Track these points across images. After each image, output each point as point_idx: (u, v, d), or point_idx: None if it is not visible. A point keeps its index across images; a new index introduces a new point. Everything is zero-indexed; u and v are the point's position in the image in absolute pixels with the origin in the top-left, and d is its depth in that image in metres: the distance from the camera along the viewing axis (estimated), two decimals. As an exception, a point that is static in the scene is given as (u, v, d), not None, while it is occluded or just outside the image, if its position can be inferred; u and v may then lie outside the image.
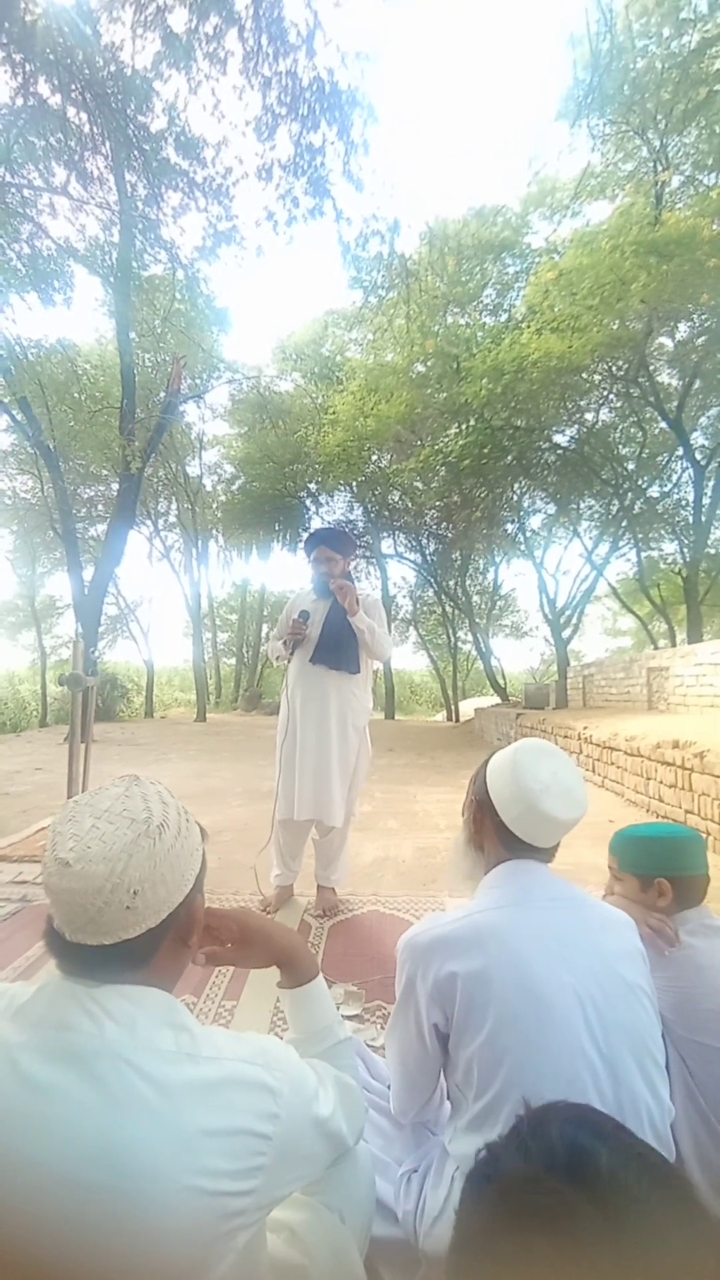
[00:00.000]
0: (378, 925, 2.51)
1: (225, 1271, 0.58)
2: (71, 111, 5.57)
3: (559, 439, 12.62)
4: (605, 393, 12.23)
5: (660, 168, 10.65)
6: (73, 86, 5.39)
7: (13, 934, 2.31)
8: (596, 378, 11.50)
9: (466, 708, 21.48)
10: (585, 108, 9.60)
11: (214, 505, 19.65)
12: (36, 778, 6.05)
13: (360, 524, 18.76)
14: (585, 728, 6.31)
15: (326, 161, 5.65)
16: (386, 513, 17.96)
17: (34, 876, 2.88)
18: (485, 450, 10.96)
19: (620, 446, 13.26)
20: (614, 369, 11.36)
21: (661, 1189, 0.42)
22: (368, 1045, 1.51)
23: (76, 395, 10.87)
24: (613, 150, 11.60)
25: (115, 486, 13.04)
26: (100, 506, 17.68)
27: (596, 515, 14.27)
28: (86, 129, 5.77)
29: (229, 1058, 0.66)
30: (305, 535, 2.92)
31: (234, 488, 18.98)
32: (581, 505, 14.05)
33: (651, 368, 11.61)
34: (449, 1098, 1.06)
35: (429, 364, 12.51)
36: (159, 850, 0.66)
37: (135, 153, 5.72)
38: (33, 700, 17.13)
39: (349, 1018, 1.81)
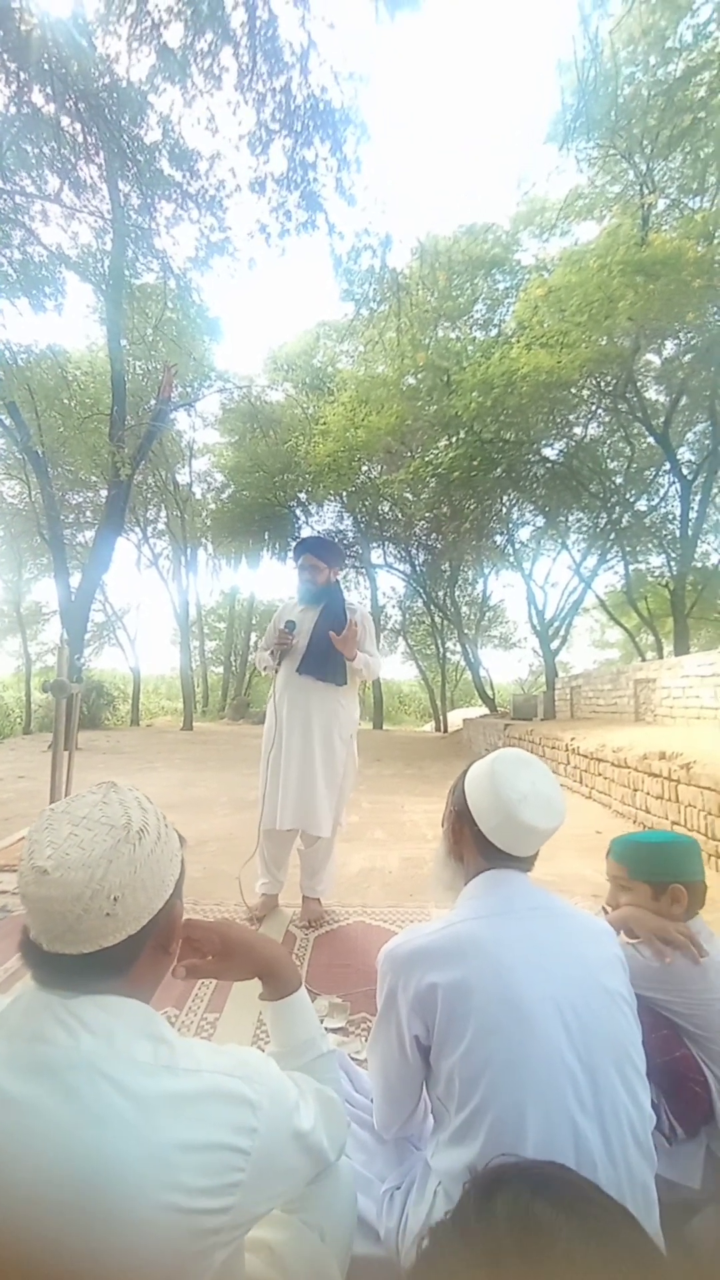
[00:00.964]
0: (363, 936, 2.49)
1: None
2: (65, 121, 5.58)
3: (548, 452, 12.79)
4: (594, 407, 12.43)
5: (646, 190, 10.90)
6: (67, 96, 5.41)
7: (-10, 946, 2.27)
8: (585, 393, 11.69)
9: (455, 718, 21.51)
10: (573, 131, 9.80)
11: (203, 513, 19.65)
12: (19, 785, 5.96)
13: (350, 534, 18.83)
14: (573, 738, 6.33)
15: (319, 177, 5.71)
16: (376, 523, 18.06)
17: (14, 886, 2.83)
18: (475, 463, 11.07)
19: (608, 460, 13.47)
20: (602, 384, 11.55)
21: (626, 1263, 0.40)
22: (352, 1058, 1.49)
23: (66, 401, 10.85)
24: (600, 173, 11.87)
25: (104, 493, 12.98)
26: (89, 513, 17.60)
27: (585, 528, 14.44)
28: (80, 138, 5.79)
29: (208, 1070, 0.65)
30: (294, 544, 2.93)
31: (224, 496, 19.02)
32: (570, 518, 14.21)
33: (639, 383, 11.83)
34: (431, 1112, 1.05)
35: (420, 377, 12.64)
36: (139, 856, 0.65)
37: (129, 163, 5.75)
38: (17, 707, 16.91)
39: (333, 1030, 1.79)
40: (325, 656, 2.61)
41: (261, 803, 2.65)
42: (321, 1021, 1.82)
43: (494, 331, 13.58)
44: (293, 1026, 0.93)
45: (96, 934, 0.63)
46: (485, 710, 17.31)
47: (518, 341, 10.32)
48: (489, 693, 18.62)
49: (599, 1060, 0.85)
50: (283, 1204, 0.84)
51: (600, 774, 5.43)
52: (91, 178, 6.28)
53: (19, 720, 15.88)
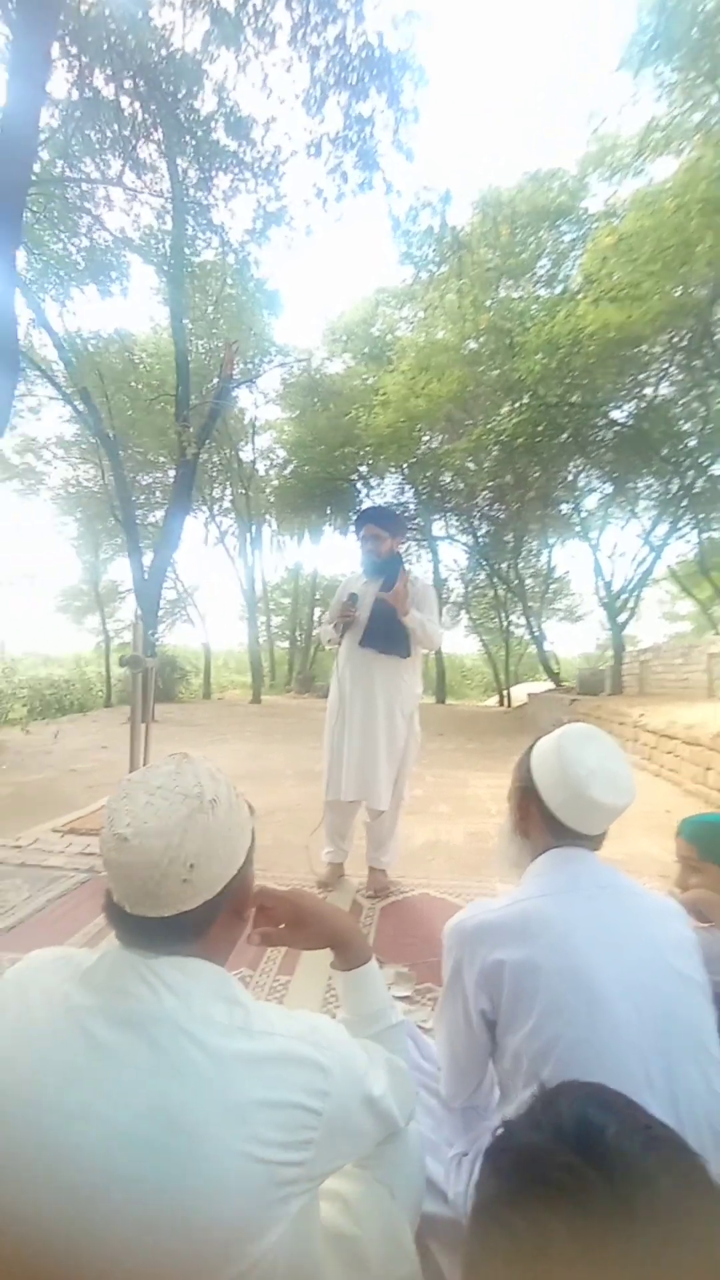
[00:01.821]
0: (428, 908, 2.52)
1: (279, 1236, 0.60)
2: (125, 101, 5.63)
3: (616, 415, 12.04)
4: (666, 365, 11.57)
5: (733, 116, 9.86)
6: (126, 74, 5.44)
7: (82, 902, 2.45)
8: (657, 349, 10.88)
9: (519, 692, 21.09)
10: (649, 55, 8.95)
11: (267, 490, 19.83)
12: (102, 755, 6.34)
13: (411, 506, 18.55)
14: (641, 715, 6.10)
15: (376, 132, 5.52)
16: (438, 494, 17.69)
17: (98, 850, 3.04)
18: (539, 428, 10.60)
19: (681, 422, 12.53)
20: (676, 340, 10.72)
21: (673, 1168, 0.42)
22: (418, 1027, 1.52)
23: (134, 384, 11.14)
24: (680, 99, 10.80)
25: (172, 473, 13.33)
26: (158, 493, 18.13)
27: (655, 495, 13.59)
28: (139, 117, 5.83)
29: (281, 1034, 0.67)
30: (355, 517, 2.91)
31: (286, 472, 19.09)
32: (639, 484, 13.43)
33: (716, 337, 10.90)
34: (499, 1083, 1.05)
35: (481, 340, 12.14)
36: (212, 825, 0.68)
37: (186, 137, 5.75)
38: (98, 681, 17.85)
39: (400, 998, 1.83)
40: (388, 629, 2.61)
41: (326, 774, 2.70)
42: (388, 989, 1.86)
43: (559, 288, 12.80)
44: (363, 997, 0.94)
45: (175, 899, 0.66)
46: (550, 685, 16.88)
47: (584, 297, 9.71)
48: (554, 667, 18.08)
49: (672, 1044, 0.82)
50: (356, 1161, 0.87)
51: (670, 751, 5.22)
52: (151, 157, 6.34)
53: (100, 694, 16.79)
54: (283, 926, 0.93)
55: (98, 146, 5.97)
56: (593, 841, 1.03)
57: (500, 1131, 0.48)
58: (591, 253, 10.29)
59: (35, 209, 6.80)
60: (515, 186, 12.76)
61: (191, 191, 6.61)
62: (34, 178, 5.50)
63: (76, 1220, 0.54)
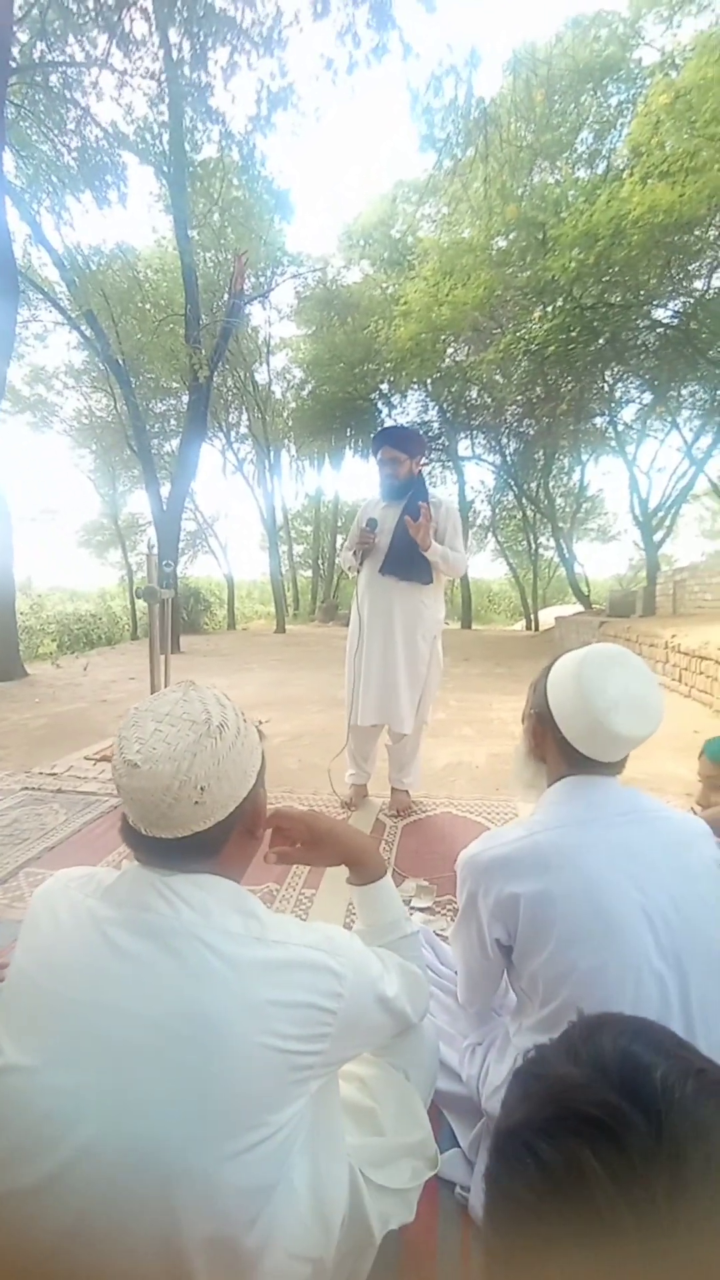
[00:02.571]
0: (450, 826, 2.59)
1: (299, 1108, 0.66)
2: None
3: (660, 314, 11.04)
4: (720, 251, 10.45)
5: None
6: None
7: (114, 825, 2.56)
8: (712, 234, 9.79)
9: (547, 616, 20.83)
10: None
11: (284, 413, 19.14)
12: (130, 686, 6.52)
13: (435, 425, 17.77)
14: (673, 635, 5.96)
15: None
16: (464, 411, 16.86)
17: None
18: (573, 334, 9.81)
19: (734, 318, 11.48)
20: (734, 220, 9.60)
21: None
22: (438, 935, 1.58)
23: (141, 304, 10.57)
24: None
25: (186, 399, 12.89)
26: (173, 421, 17.68)
27: (700, 403, 12.68)
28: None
29: (295, 943, 0.70)
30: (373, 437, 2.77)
31: (304, 393, 18.32)
32: (683, 392, 12.51)
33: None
34: (514, 993, 1.09)
35: (511, 237, 11.10)
36: (220, 749, 0.69)
37: (177, 2, 5.11)
38: (124, 615, 18.17)
39: (421, 909, 1.90)
40: (408, 555, 2.53)
41: (347, 700, 2.72)
42: (409, 901, 1.94)
43: (602, 166, 11.48)
44: (378, 909, 0.99)
45: (188, 820, 0.68)
46: (579, 608, 16.59)
47: (630, 176, 8.68)
48: (584, 589, 17.71)
49: (692, 968, 0.82)
50: (373, 1050, 0.94)
51: (702, 672, 5.13)
52: (139, 30, 5.68)
53: (126, 627, 17.13)
54: (299, 845, 0.96)
55: (80, 21, 5.36)
56: (613, 768, 0.99)
57: (532, 1055, 0.46)
58: (642, 117, 9.05)
59: (17, 101, 6.23)
60: (553, 39, 11.18)
61: (186, 71, 5.96)
62: (12, 64, 5.00)
63: (112, 1093, 0.59)
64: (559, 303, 10.05)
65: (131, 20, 5.43)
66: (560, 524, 19.03)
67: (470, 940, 1.02)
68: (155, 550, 3.22)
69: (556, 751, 1.01)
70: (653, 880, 0.86)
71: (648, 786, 3.11)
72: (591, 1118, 0.37)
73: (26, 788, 3.01)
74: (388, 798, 2.80)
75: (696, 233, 9.23)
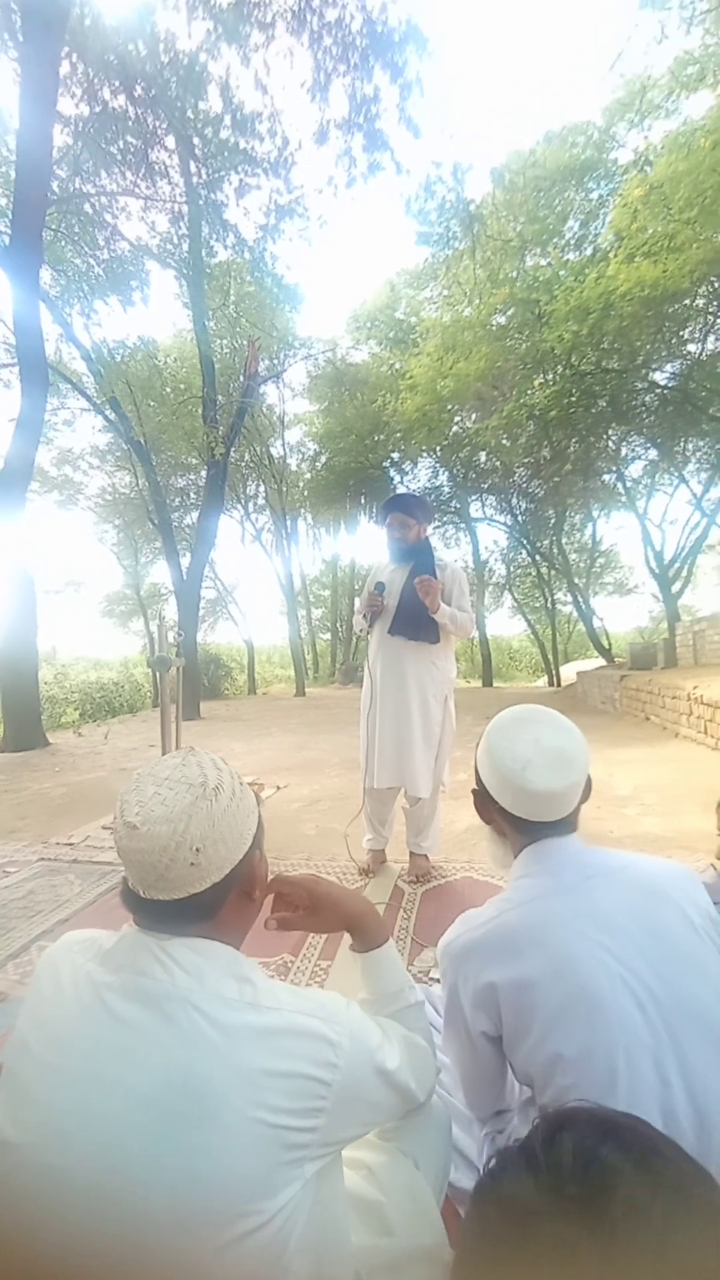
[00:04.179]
0: (470, 891, 2.51)
1: (295, 1195, 0.63)
2: (133, 110, 5.70)
3: (658, 377, 11.51)
4: (711, 317, 10.98)
5: (770, 43, 9.22)
6: (133, 83, 5.51)
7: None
8: (699, 302, 10.33)
9: (569, 672, 20.60)
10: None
11: (300, 484, 19.93)
12: (151, 753, 6.55)
13: (446, 489, 18.28)
14: (695, 687, 5.87)
15: (382, 111, 5.41)
16: (473, 475, 17.38)
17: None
18: (574, 399, 10.23)
19: (730, 376, 11.89)
20: (720, 289, 10.15)
21: (696, 1221, 0.36)
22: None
23: (161, 389, 11.31)
24: (712, 29, 10.12)
25: (204, 474, 13.56)
26: (192, 495, 18.46)
27: (705, 456, 12.98)
28: (149, 124, 5.89)
29: (288, 1009, 0.69)
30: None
31: (318, 465, 19.13)
32: (688, 447, 12.83)
33: (765, 281, 10.24)
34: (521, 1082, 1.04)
35: (508, 314, 11.79)
36: (216, 811, 0.71)
37: (195, 140, 5.78)
38: (145, 682, 18.41)
39: (440, 980, 1.83)
40: (417, 616, 2.59)
41: (363, 763, 2.72)
42: (429, 971, 1.87)
43: (588, 250, 12.29)
44: (381, 977, 0.96)
45: (184, 882, 0.70)
46: (601, 662, 16.42)
47: (615, 256, 9.29)
48: (605, 643, 17.57)
49: (683, 1037, 0.77)
50: (378, 1133, 0.89)
51: (729, 724, 5.01)
52: (163, 163, 6.40)
53: (148, 694, 17.31)
54: (300, 911, 0.95)
55: (110, 159, 6.09)
56: (563, 826, 0.97)
57: (492, 1165, 0.44)
58: (620, 207, 9.81)
59: (55, 226, 7.00)
60: (534, 148, 12.30)
61: (204, 193, 6.67)
62: (51, 196, 5.65)
63: (103, 1172, 0.58)
64: (559, 370, 10.54)
65: (155, 154, 6.14)
66: (576, 579, 19.14)
67: (459, 1036, 0.98)
68: (166, 620, 3.33)
69: (503, 822, 1.01)
70: (628, 948, 0.83)
71: (677, 844, 3.00)
72: (546, 1231, 0.35)
73: (43, 859, 3.01)
74: (406, 863, 2.74)
75: (686, 302, 9.74)
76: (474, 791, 1.06)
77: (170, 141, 6.05)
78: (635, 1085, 0.76)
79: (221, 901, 0.74)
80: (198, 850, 0.69)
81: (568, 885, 0.90)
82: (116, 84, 5.36)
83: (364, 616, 2.71)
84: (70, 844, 3.23)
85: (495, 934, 0.91)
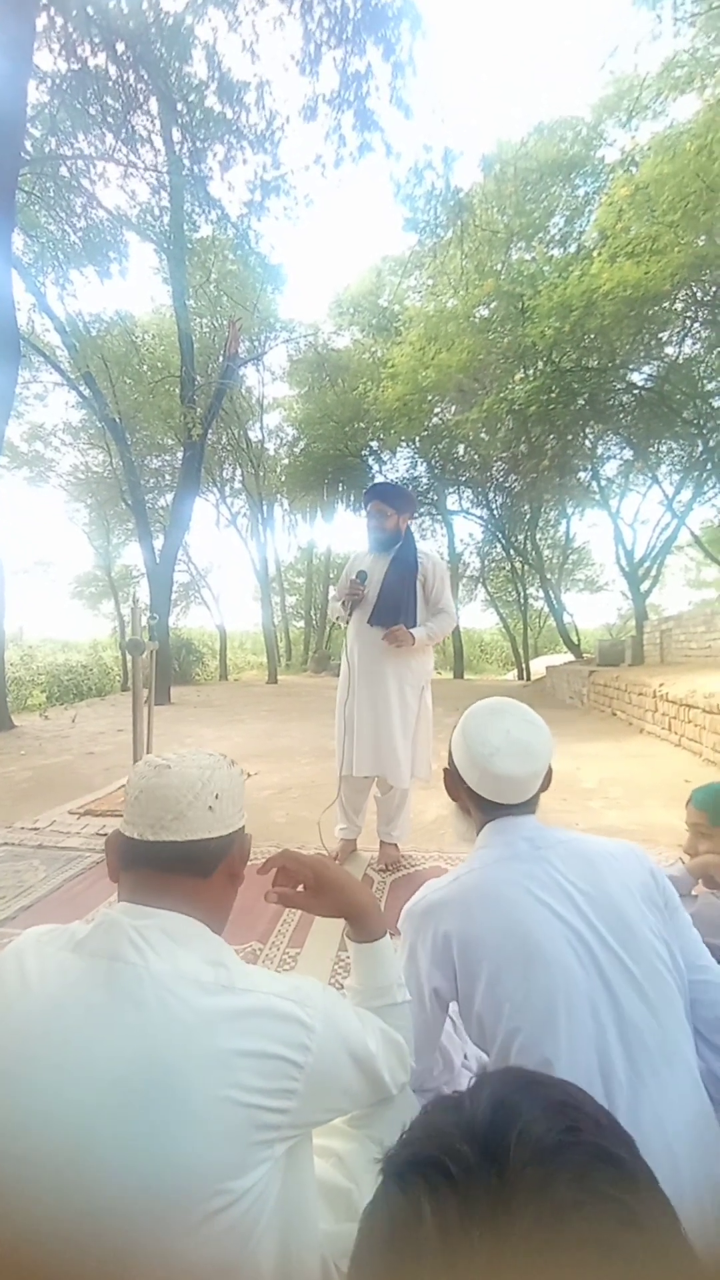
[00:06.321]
0: (439, 880, 2.53)
1: (264, 1176, 0.64)
2: (114, 70, 5.47)
3: (635, 378, 11.65)
4: (688, 322, 11.14)
5: (758, 50, 9.32)
6: (114, 41, 5.28)
7: (95, 881, 2.51)
8: (678, 306, 10.46)
9: (539, 666, 20.94)
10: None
11: (277, 469, 19.70)
12: (119, 739, 6.45)
13: (424, 480, 18.30)
14: (661, 684, 6.01)
15: (373, 90, 5.29)
16: (451, 467, 17.42)
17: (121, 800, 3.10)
18: (553, 395, 10.30)
19: (705, 382, 12.10)
20: (699, 294, 10.29)
21: (582, 1158, 0.37)
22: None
23: (138, 366, 11.02)
24: (702, 33, 10.20)
25: (181, 455, 13.29)
26: (167, 476, 18.11)
27: (678, 459, 13.23)
28: (131, 86, 5.67)
29: (263, 991, 0.70)
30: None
31: (296, 450, 18.92)
32: (661, 448, 13.06)
33: (743, 289, 10.43)
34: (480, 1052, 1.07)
35: (492, 307, 11.79)
36: (232, 774, 0.84)
37: (179, 106, 5.58)
38: (115, 666, 18.08)
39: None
40: (396, 607, 2.59)
41: (338, 751, 2.71)
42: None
43: (573, 247, 12.34)
44: (373, 970, 0.96)
45: (199, 824, 0.77)
46: (570, 657, 16.72)
47: (599, 255, 9.34)
48: (574, 639, 17.90)
49: (617, 985, 0.86)
50: (348, 1121, 0.91)
51: (690, 721, 5.15)
52: (144, 128, 6.17)
53: (117, 678, 17.02)
54: (301, 889, 0.95)
55: (89, 120, 5.83)
56: (524, 808, 1.06)
57: (428, 1103, 0.47)
58: (606, 206, 9.84)
59: (28, 189, 6.70)
60: (523, 140, 12.27)
61: (187, 163, 6.45)
62: (25, 156, 5.40)
63: (72, 1155, 0.58)
64: (539, 365, 10.58)
65: (137, 119, 5.90)
66: (548, 575, 19.40)
67: (410, 995, 1.04)
68: (140, 604, 3.26)
69: (469, 800, 1.10)
70: (569, 908, 0.92)
71: (639, 836, 3.07)
72: (438, 1163, 0.37)
73: (7, 843, 2.94)
74: (376, 852, 2.75)
75: (665, 304, 9.86)
76: (445, 770, 1.15)
77: (153, 106, 5.83)
78: (573, 1028, 0.84)
79: (217, 863, 0.79)
80: (217, 796, 0.79)
81: (520, 854, 1.00)
82: (97, 40, 5.13)
83: (343, 604, 2.69)
84: (35, 829, 3.16)
85: (453, 893, 1.00)
